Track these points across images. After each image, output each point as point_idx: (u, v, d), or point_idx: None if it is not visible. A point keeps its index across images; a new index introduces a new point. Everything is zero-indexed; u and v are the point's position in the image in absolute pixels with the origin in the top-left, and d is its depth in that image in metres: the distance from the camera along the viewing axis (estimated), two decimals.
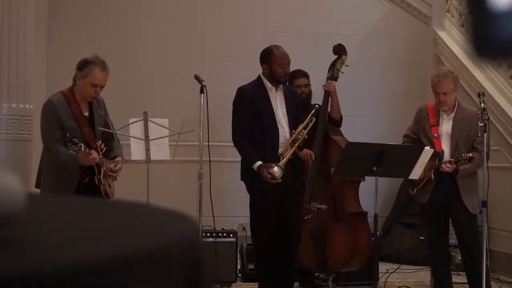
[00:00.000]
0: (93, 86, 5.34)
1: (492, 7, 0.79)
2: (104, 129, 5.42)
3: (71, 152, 5.10)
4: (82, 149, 5.06)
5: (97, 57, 5.42)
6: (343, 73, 6.57)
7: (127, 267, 0.84)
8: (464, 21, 8.65)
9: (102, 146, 5.37)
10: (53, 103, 5.33)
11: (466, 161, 5.81)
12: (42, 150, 5.53)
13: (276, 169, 5.59)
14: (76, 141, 5.07)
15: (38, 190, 5.51)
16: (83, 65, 5.37)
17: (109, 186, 5.40)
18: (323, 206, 6.35)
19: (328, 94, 6.51)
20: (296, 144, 5.74)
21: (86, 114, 5.44)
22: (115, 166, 5.43)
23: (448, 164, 5.85)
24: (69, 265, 0.80)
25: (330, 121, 6.62)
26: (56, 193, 5.25)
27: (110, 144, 5.52)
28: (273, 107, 5.82)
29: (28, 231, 0.98)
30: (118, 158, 5.49)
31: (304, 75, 6.83)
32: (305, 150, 5.89)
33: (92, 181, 5.33)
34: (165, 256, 0.91)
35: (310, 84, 6.85)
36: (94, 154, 5.13)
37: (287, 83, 6.23)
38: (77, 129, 5.31)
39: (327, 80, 6.59)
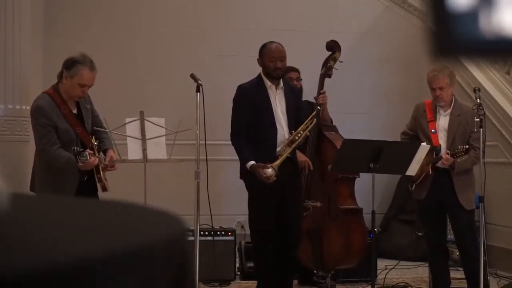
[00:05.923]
0: (81, 86, 5.30)
1: (452, 7, 0.80)
2: (99, 129, 5.42)
3: (70, 156, 5.08)
4: (89, 158, 5.01)
5: (85, 56, 5.37)
6: (336, 69, 6.57)
7: (110, 267, 0.84)
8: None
9: (95, 140, 5.36)
10: (42, 107, 5.28)
11: (463, 153, 5.84)
12: (35, 154, 5.50)
13: (269, 170, 5.58)
14: (82, 151, 5.03)
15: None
16: (71, 65, 5.32)
17: (105, 179, 5.40)
18: (318, 204, 6.36)
19: (321, 105, 6.44)
20: (293, 145, 5.73)
21: (75, 111, 5.42)
22: (111, 165, 5.44)
23: (447, 156, 5.86)
24: (52, 264, 0.80)
25: None
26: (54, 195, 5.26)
27: (100, 136, 5.50)
28: (272, 106, 5.80)
29: (12, 230, 0.98)
30: (111, 152, 5.46)
31: (295, 69, 6.81)
32: (303, 158, 5.89)
33: (90, 178, 5.34)
34: (150, 255, 0.92)
35: (301, 79, 6.84)
36: (93, 157, 5.11)
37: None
38: (71, 130, 5.30)
39: (320, 77, 6.59)
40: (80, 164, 5.00)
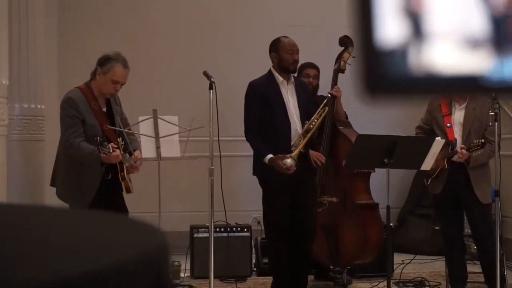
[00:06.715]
0: (114, 83, 5.38)
1: (380, 45, 0.79)
2: (115, 128, 5.44)
3: (94, 148, 5.12)
4: (111, 150, 5.05)
5: (119, 54, 5.46)
6: (350, 64, 6.54)
7: (87, 285, 0.83)
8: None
9: (121, 141, 5.40)
10: (73, 99, 5.33)
11: (479, 147, 5.81)
12: (58, 148, 5.54)
13: (289, 160, 5.60)
14: (106, 143, 5.08)
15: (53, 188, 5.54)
16: (105, 61, 5.39)
17: (130, 180, 5.44)
18: (334, 199, 6.35)
19: (335, 98, 6.41)
20: (309, 135, 5.76)
21: (104, 109, 5.48)
22: (135, 162, 5.48)
23: (463, 151, 5.83)
24: (28, 284, 0.80)
25: None
26: (77, 191, 5.31)
27: (128, 138, 5.55)
28: (285, 101, 5.82)
29: None
30: (137, 152, 5.51)
31: (314, 67, 6.82)
32: (313, 153, 5.91)
33: (114, 178, 5.37)
34: (128, 272, 0.91)
35: (319, 78, 6.83)
36: (116, 151, 5.15)
37: (296, 75, 6.22)
38: (98, 126, 5.34)
39: (334, 72, 6.57)
40: (102, 155, 5.04)
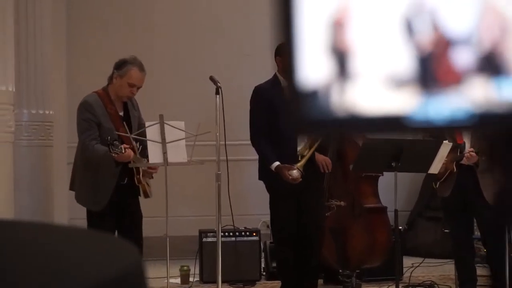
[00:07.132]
0: (130, 86, 5.43)
1: (301, 87, 0.78)
2: (121, 133, 5.44)
3: (107, 149, 5.14)
4: (123, 151, 5.10)
5: (135, 58, 5.52)
6: None
7: None
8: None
9: (138, 145, 5.43)
10: (89, 103, 5.40)
11: None
12: (76, 152, 5.59)
13: (295, 171, 5.58)
14: (117, 143, 5.11)
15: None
16: (121, 65, 5.46)
17: (148, 185, 5.47)
18: (342, 203, 6.34)
19: None
20: (316, 144, 5.73)
21: (121, 113, 5.53)
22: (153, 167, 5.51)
23: (471, 153, 5.80)
24: None
25: None
26: (93, 194, 5.37)
27: (145, 143, 5.58)
28: None
29: None
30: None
31: None
32: (321, 158, 5.89)
33: (130, 182, 5.42)
34: None
35: None
36: (128, 151, 5.18)
37: None
38: (113, 130, 5.38)
39: None
40: (113, 155, 5.07)
